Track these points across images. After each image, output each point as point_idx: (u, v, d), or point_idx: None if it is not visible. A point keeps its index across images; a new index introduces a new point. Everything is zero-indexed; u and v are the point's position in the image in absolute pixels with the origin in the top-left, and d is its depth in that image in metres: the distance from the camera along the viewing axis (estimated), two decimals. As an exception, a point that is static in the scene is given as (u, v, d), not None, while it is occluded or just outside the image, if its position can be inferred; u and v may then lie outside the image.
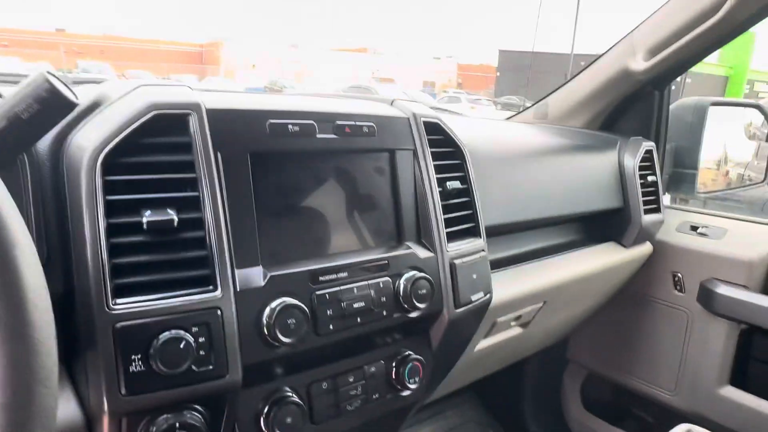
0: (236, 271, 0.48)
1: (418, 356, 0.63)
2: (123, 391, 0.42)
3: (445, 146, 0.68)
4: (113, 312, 0.42)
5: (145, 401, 0.43)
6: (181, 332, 0.43)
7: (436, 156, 0.66)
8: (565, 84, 1.21)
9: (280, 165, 0.54)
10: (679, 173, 1.22)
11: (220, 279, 0.47)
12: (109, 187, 0.44)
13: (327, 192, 0.58)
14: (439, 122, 0.68)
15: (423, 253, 0.62)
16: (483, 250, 0.69)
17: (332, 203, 0.58)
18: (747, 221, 1.08)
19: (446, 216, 0.65)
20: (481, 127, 1.03)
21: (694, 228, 1.11)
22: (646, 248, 1.10)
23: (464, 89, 38.79)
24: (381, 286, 0.57)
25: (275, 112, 0.53)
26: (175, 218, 0.45)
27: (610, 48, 1.10)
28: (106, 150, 0.44)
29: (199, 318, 0.45)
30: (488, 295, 0.70)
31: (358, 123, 0.59)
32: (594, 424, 1.27)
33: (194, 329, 0.44)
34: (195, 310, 0.45)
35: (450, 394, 1.16)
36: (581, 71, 1.17)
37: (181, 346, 0.43)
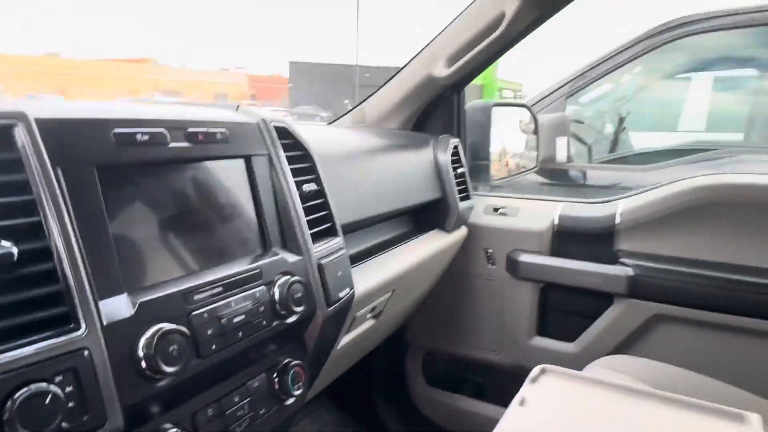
0: (99, 303, 0.42)
1: (298, 361, 0.62)
2: None
3: (295, 150, 0.69)
4: None
5: None
6: (44, 385, 0.36)
7: (289, 160, 0.66)
8: (377, 90, 1.31)
9: (132, 178, 0.48)
10: (476, 165, 1.42)
11: (82, 315, 0.40)
12: None
13: (186, 204, 0.54)
14: (287, 126, 0.68)
15: (291, 257, 0.62)
16: (342, 248, 0.72)
17: (193, 215, 0.54)
18: (533, 199, 1.31)
19: (307, 218, 0.66)
20: (312, 132, 1.05)
21: (495, 209, 1.31)
22: (462, 231, 1.25)
23: (258, 100, 38.38)
24: (258, 296, 0.55)
25: (120, 120, 0.48)
26: (14, 251, 0.37)
27: (415, 56, 1.23)
28: None
29: (62, 364, 0.38)
30: (352, 291, 0.73)
31: (210, 130, 0.56)
32: (437, 395, 1.40)
33: (59, 378, 0.37)
34: (56, 355, 0.38)
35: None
36: (391, 78, 1.28)
37: (47, 401, 0.36)
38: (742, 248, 1.06)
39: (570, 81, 2.25)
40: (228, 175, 0.58)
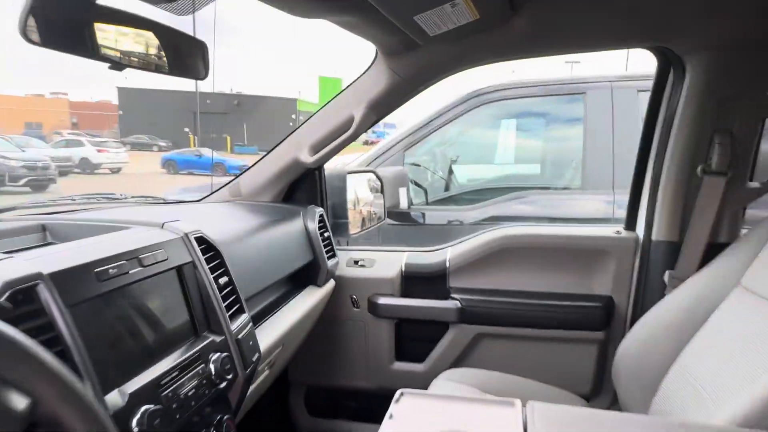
0: (104, 399, 0.60)
1: (227, 415, 0.83)
2: None
3: (209, 251, 0.89)
4: None
5: None
6: None
7: (207, 261, 0.87)
8: (251, 167, 1.53)
9: (106, 301, 0.66)
10: (338, 223, 1.70)
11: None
12: None
13: (141, 311, 0.72)
14: (203, 235, 0.88)
15: (217, 337, 0.82)
16: (250, 323, 0.94)
17: (146, 318, 0.73)
18: (385, 251, 1.63)
19: (224, 304, 0.87)
20: (200, 213, 1.24)
21: (356, 262, 1.61)
22: (331, 283, 1.52)
23: (82, 129, 34.50)
24: (201, 372, 0.75)
25: (97, 261, 0.65)
26: None
27: (284, 140, 1.48)
28: None
29: None
30: (259, 354, 0.95)
31: (154, 252, 0.75)
32: (319, 423, 1.63)
33: None
34: None
35: None
36: (263, 157, 1.51)
37: None
38: (530, 278, 1.50)
39: (406, 137, 2.68)
40: (166, 284, 0.77)
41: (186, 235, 0.84)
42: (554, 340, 1.46)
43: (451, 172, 3.19)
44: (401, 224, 2.60)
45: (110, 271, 0.66)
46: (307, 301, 1.36)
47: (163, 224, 0.85)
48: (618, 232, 1.44)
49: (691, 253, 1.26)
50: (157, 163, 21.01)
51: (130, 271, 0.70)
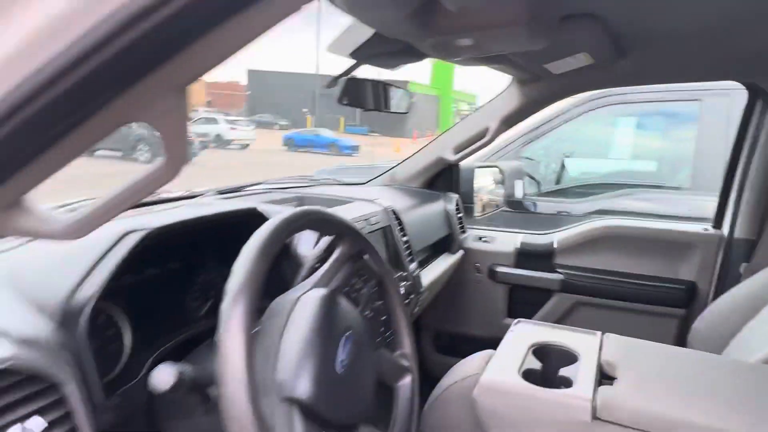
0: None
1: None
2: None
3: (397, 218, 1.39)
4: None
5: None
6: None
7: (397, 224, 1.36)
8: (404, 161, 2.02)
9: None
10: (467, 207, 2.15)
11: None
12: None
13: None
14: (395, 210, 1.38)
15: (403, 273, 1.32)
16: (418, 267, 1.42)
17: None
18: (504, 231, 2.06)
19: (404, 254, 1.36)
20: (387, 195, 1.76)
21: (480, 238, 2.05)
22: (461, 253, 1.98)
23: (213, 107, 38.17)
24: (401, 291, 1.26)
25: (358, 218, 1.17)
26: None
27: (431, 142, 1.95)
28: None
29: None
30: (422, 287, 1.44)
31: (374, 217, 1.26)
32: (443, 359, 2.12)
33: None
34: None
35: None
36: (414, 154, 2.00)
37: None
38: (624, 262, 1.84)
39: (524, 134, 3.04)
40: (378, 238, 1.27)
41: (387, 207, 1.34)
42: (641, 312, 1.80)
43: (563, 166, 3.48)
44: (515, 212, 2.98)
45: (360, 224, 1.17)
46: (443, 263, 1.83)
47: (374, 200, 1.36)
48: (706, 229, 1.73)
49: (766, 249, 1.54)
50: (277, 141, 22.84)
51: (365, 227, 1.20)
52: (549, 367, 1.06)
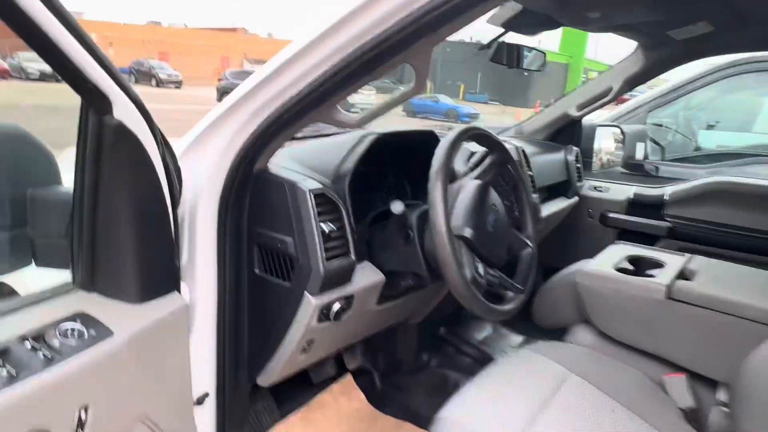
0: None
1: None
2: None
3: (527, 159, 1.74)
4: None
5: None
6: None
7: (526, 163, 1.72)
8: (533, 116, 2.34)
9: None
10: (586, 161, 2.41)
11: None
12: None
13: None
14: (524, 149, 1.73)
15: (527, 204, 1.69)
16: (538, 199, 1.78)
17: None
18: (617, 183, 2.30)
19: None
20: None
21: (595, 187, 2.31)
22: (575, 198, 2.27)
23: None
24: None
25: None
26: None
27: (558, 100, 2.24)
28: None
29: None
30: (542, 217, 1.79)
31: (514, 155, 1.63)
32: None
33: None
34: None
35: None
36: (541, 111, 2.30)
37: None
38: (733, 216, 2.01)
39: (653, 100, 3.15)
40: (509, 172, 1.64)
41: (518, 146, 1.70)
42: (747, 262, 1.97)
43: (692, 134, 3.50)
44: (632, 173, 3.14)
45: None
46: (560, 204, 2.14)
47: (507, 140, 1.72)
48: None
49: None
50: (397, 107, 23.41)
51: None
52: (639, 270, 1.38)
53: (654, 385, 1.20)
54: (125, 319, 0.75)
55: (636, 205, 2.20)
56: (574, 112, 2.17)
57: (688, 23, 1.56)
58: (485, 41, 1.69)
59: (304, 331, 1.05)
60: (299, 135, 1.21)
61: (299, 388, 1.54)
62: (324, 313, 1.04)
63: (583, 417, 1.03)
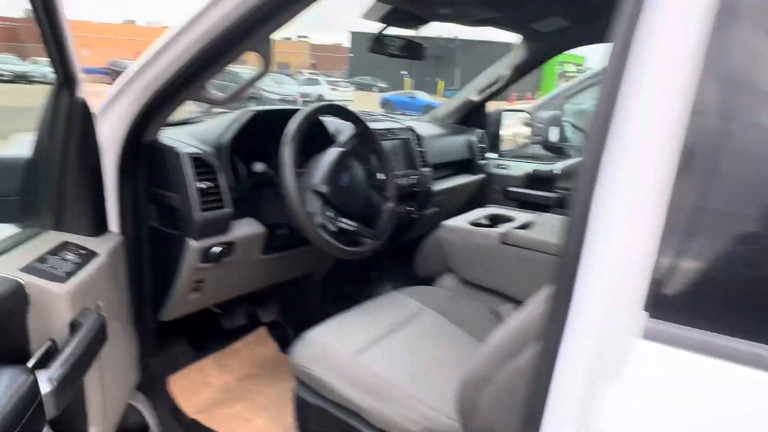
0: None
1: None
2: None
3: (419, 139, 2.01)
4: None
5: None
6: None
7: (417, 143, 1.99)
8: (445, 103, 2.61)
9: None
10: (494, 143, 2.69)
11: None
12: None
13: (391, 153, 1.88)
14: (416, 130, 2.00)
15: (418, 174, 1.96)
16: (432, 173, 2.05)
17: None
18: (516, 161, 2.58)
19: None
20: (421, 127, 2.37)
21: (498, 166, 2.59)
22: (481, 175, 2.53)
23: (317, 69, 39.87)
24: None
25: (381, 130, 1.82)
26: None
27: (464, 87, 2.51)
28: None
29: None
30: (433, 192, 2.06)
31: (403, 132, 1.89)
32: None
33: None
34: None
35: None
36: (452, 99, 2.57)
37: None
38: None
39: (568, 89, 3.45)
40: (403, 146, 1.90)
41: (407, 126, 1.96)
42: None
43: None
44: (555, 155, 3.44)
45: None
46: (462, 179, 2.41)
47: (400, 121, 1.98)
48: None
49: None
50: (375, 103, 23.72)
51: (387, 136, 1.83)
52: (493, 224, 1.66)
53: (492, 315, 1.47)
54: (96, 245, 1.03)
55: (534, 180, 2.48)
56: (475, 97, 2.44)
57: (542, 18, 1.84)
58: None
59: (191, 272, 1.29)
60: (197, 116, 1.46)
61: (214, 337, 1.78)
62: (205, 255, 1.29)
63: (428, 338, 1.30)
